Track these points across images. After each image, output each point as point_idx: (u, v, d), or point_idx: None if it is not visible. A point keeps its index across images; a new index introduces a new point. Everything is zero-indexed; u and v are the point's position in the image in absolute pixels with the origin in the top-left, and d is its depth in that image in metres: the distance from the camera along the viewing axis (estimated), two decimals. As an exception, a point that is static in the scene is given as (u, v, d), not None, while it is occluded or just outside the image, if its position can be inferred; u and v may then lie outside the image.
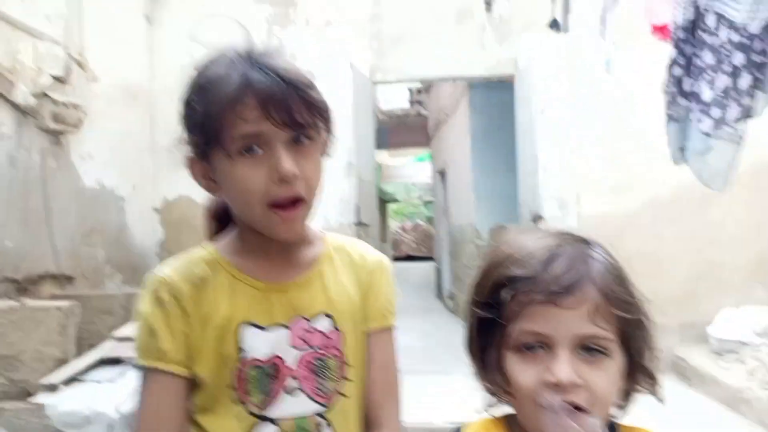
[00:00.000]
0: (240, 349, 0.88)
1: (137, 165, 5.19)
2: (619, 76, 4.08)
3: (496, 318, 0.73)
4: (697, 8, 2.21)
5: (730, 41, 2.05)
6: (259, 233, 0.90)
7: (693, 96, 2.22)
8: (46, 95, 3.93)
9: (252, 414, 0.88)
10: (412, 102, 12.25)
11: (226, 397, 0.88)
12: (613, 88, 4.92)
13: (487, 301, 0.74)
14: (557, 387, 0.68)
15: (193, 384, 0.89)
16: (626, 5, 3.06)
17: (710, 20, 2.15)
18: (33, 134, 3.96)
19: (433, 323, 7.99)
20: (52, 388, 3.08)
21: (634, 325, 0.72)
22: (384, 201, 18.12)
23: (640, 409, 0.80)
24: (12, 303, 3.39)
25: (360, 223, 4.85)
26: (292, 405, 0.89)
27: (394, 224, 22.26)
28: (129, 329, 3.61)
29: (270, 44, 0.91)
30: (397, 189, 21.14)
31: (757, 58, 2.00)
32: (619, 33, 3.28)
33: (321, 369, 0.91)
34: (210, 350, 0.88)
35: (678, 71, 2.32)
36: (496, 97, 6.95)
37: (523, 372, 0.71)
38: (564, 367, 0.68)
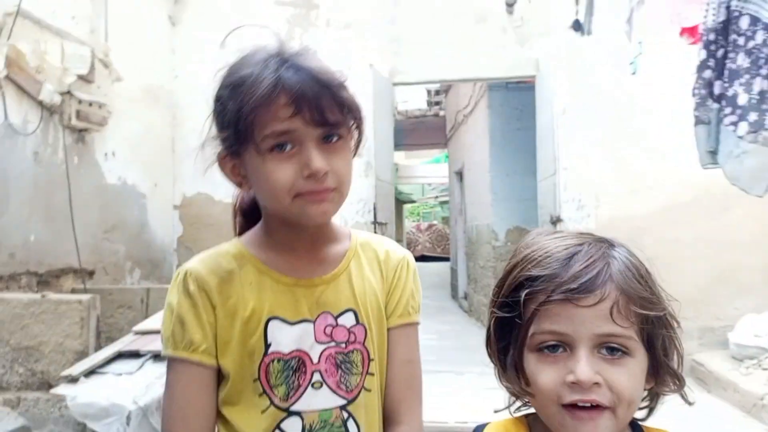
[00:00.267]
0: (266, 344, 0.89)
1: (158, 163, 5.27)
2: (640, 78, 4.05)
3: (515, 318, 0.73)
4: (728, 10, 2.18)
5: (765, 44, 2.01)
6: (287, 228, 0.92)
7: (725, 99, 2.18)
8: (71, 94, 4.01)
9: (276, 407, 0.89)
10: (429, 103, 12.22)
11: (251, 390, 0.89)
12: (634, 91, 4.88)
13: (506, 302, 0.74)
14: (577, 386, 0.68)
15: (219, 376, 0.91)
16: (652, 7, 3.03)
17: (744, 22, 2.11)
18: (58, 132, 4.04)
19: (448, 323, 7.98)
20: (72, 379, 3.13)
21: (657, 323, 0.71)
22: (400, 201, 18.13)
23: (659, 413, 0.79)
24: (34, 296, 3.46)
25: (377, 223, 4.86)
26: (316, 398, 0.90)
27: (409, 224, 22.26)
28: (148, 323, 3.67)
29: (302, 45, 0.91)
30: (413, 189, 21.13)
31: None
32: (645, 35, 3.26)
33: (344, 363, 0.92)
34: (237, 343, 0.89)
35: (708, 74, 2.29)
36: (515, 98, 6.93)
37: (543, 372, 0.71)
38: (583, 366, 0.67)
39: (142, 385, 3.02)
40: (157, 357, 3.25)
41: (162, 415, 0.90)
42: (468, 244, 8.85)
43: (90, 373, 3.19)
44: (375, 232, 4.81)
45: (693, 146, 2.55)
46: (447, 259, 14.42)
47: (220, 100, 0.89)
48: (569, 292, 0.69)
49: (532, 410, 0.78)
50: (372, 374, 0.94)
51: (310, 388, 0.90)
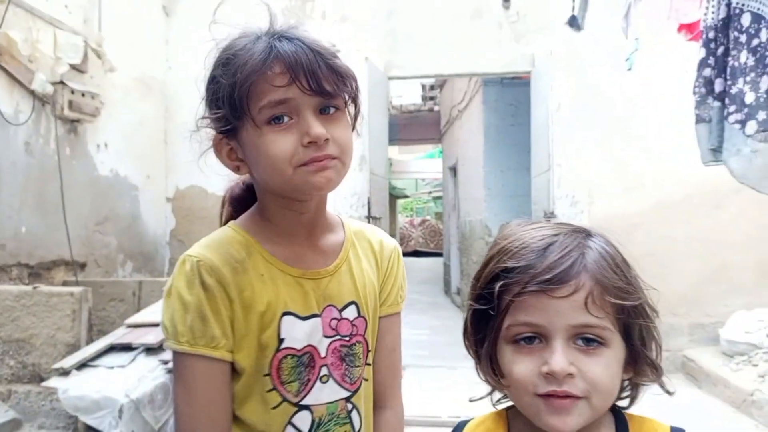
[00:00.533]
0: (280, 339, 0.87)
1: (151, 155, 5.24)
2: (636, 75, 4.05)
3: (490, 310, 0.72)
4: (728, 7, 2.17)
5: None
6: (286, 211, 0.90)
7: (729, 97, 2.17)
8: (63, 84, 3.97)
9: (289, 402, 0.88)
10: (424, 98, 12.21)
11: (261, 386, 0.87)
12: (630, 88, 4.89)
13: (482, 294, 0.74)
14: (552, 377, 0.67)
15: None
16: (649, 3, 3.03)
17: (745, 20, 2.10)
18: (50, 122, 4.00)
19: (440, 318, 8.00)
20: (63, 372, 3.12)
21: (633, 313, 0.70)
22: (393, 196, 18.13)
23: (648, 408, 0.79)
24: (26, 288, 3.44)
25: (371, 217, 4.86)
26: (324, 392, 0.90)
27: (402, 219, 22.27)
28: (140, 316, 3.65)
29: (292, 22, 0.89)
30: (406, 184, 21.12)
31: None
32: (641, 31, 3.26)
33: (348, 356, 0.92)
34: (252, 338, 0.86)
35: (708, 72, 2.29)
36: (510, 94, 6.93)
37: (518, 363, 0.70)
38: (558, 357, 0.67)
39: (134, 378, 3.01)
40: (149, 350, 3.23)
41: (179, 414, 0.85)
42: (461, 239, 8.87)
43: (81, 366, 3.18)
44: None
45: (688, 144, 2.55)
46: (440, 255, 14.44)
47: (213, 79, 0.86)
48: (543, 283, 0.68)
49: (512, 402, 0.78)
50: (369, 365, 0.95)
51: (318, 382, 0.89)
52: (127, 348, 3.30)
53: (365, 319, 0.94)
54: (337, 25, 5.32)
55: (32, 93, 3.79)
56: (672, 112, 4.64)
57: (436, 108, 11.43)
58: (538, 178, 5.05)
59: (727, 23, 2.17)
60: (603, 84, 4.99)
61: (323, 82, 0.82)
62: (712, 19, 2.23)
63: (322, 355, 0.90)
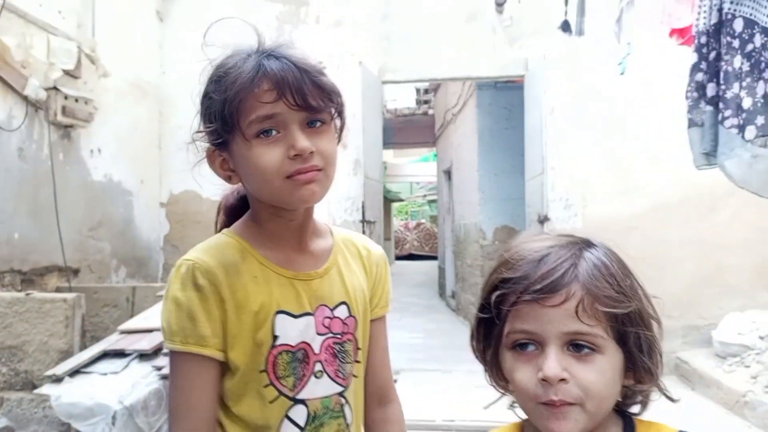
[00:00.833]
0: (274, 336, 0.93)
1: (145, 160, 5.22)
2: (630, 79, 4.08)
3: (492, 319, 0.76)
4: (720, 12, 2.18)
5: (765, 47, 2.00)
6: (277, 219, 0.95)
7: (723, 101, 2.18)
8: (57, 89, 3.96)
9: (286, 396, 0.93)
10: (418, 101, 12.24)
11: (257, 382, 0.92)
12: (623, 91, 4.92)
13: (484, 303, 0.78)
14: (547, 383, 0.70)
15: (224, 370, 0.93)
16: (642, 8, 3.05)
17: (738, 25, 2.11)
18: (43, 128, 3.99)
19: (436, 322, 8.00)
20: (56, 379, 3.10)
21: (627, 321, 0.72)
22: (388, 200, 18.13)
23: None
24: (18, 294, 3.42)
25: (365, 221, 4.86)
26: (318, 387, 0.95)
27: (397, 223, 22.28)
28: (134, 322, 3.64)
29: (281, 40, 0.94)
30: (401, 188, 21.14)
31: None
32: (634, 35, 3.28)
33: (340, 353, 0.98)
34: (246, 336, 0.91)
35: (700, 76, 2.30)
36: (504, 97, 6.95)
37: (518, 370, 0.74)
38: (551, 362, 0.70)
39: (127, 384, 2.99)
40: (142, 356, 3.22)
41: (170, 407, 0.93)
42: (456, 242, 8.88)
43: (75, 372, 3.16)
44: (363, 231, 4.80)
45: (682, 147, 2.57)
46: (435, 258, 14.46)
47: (206, 95, 0.92)
48: (536, 292, 0.71)
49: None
50: (359, 362, 1.01)
51: (312, 377, 0.95)
52: (120, 354, 3.28)
53: (355, 319, 1.00)
54: (332, 29, 5.33)
55: (25, 99, 3.78)
56: (666, 114, 4.66)
57: (430, 112, 11.46)
58: (531, 182, 5.06)
59: (718, 28, 2.18)
60: (596, 88, 5.01)
61: (309, 98, 0.87)
62: (704, 24, 2.25)
63: (316, 351, 0.95)
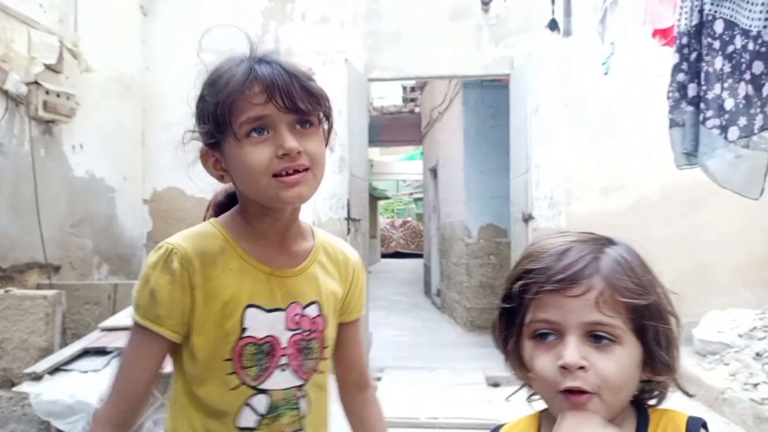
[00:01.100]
0: (242, 328, 0.97)
1: (128, 156, 5.17)
2: (614, 78, 4.11)
3: (514, 309, 0.80)
4: (701, 14, 2.20)
5: (746, 49, 2.02)
6: (263, 217, 1.00)
7: (704, 102, 2.21)
8: (38, 84, 3.90)
9: (247, 385, 0.98)
10: (405, 99, 12.25)
11: (221, 369, 0.97)
12: (607, 91, 4.96)
13: (507, 294, 0.81)
14: (567, 371, 0.73)
15: (186, 354, 0.98)
16: (626, 8, 3.08)
17: (718, 26, 2.13)
18: (24, 123, 3.93)
19: (421, 319, 8.02)
20: (36, 377, 3.06)
21: (646, 315, 0.75)
22: (374, 197, 18.13)
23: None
24: (-2, 291, 3.37)
25: (350, 219, 4.85)
26: (282, 379, 1.01)
27: (383, 221, 22.29)
28: (115, 319, 3.60)
29: (272, 48, 1.01)
30: (387, 186, 21.15)
31: None
32: (619, 36, 3.31)
33: (305, 349, 1.03)
34: (212, 324, 0.96)
35: (681, 77, 2.32)
36: (489, 96, 6.97)
37: (538, 358, 0.77)
38: (570, 350, 0.73)
39: (108, 382, 2.96)
40: (125, 354, 3.19)
41: (117, 370, 0.99)
42: (441, 241, 8.90)
43: (55, 370, 3.12)
44: (348, 228, 4.80)
45: (665, 146, 2.59)
46: (421, 256, 14.48)
47: (201, 98, 0.98)
48: (557, 282, 0.75)
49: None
50: (325, 359, 1.07)
51: (278, 369, 1.00)
52: (101, 352, 3.25)
53: (324, 318, 1.05)
54: (318, 26, 5.31)
55: (6, 93, 3.72)
56: (650, 114, 4.71)
57: (417, 110, 11.47)
58: (516, 180, 5.09)
59: (700, 29, 2.20)
60: (581, 87, 5.05)
61: (297, 100, 0.92)
62: (686, 25, 2.27)
63: (283, 345, 1.00)
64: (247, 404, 0.98)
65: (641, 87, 4.83)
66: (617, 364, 0.73)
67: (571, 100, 5.09)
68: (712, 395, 3.83)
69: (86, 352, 3.27)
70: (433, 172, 9.75)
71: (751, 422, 3.48)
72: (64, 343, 3.41)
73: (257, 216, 1.00)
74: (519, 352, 0.81)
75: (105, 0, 4.83)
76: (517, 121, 5.03)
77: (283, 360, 1.00)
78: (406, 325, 7.53)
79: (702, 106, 2.23)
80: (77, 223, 4.49)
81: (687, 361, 4.41)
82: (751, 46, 1.97)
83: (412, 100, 11.85)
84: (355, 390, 1.17)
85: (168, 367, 1.01)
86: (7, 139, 3.79)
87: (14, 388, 3.12)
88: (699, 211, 4.87)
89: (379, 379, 4.77)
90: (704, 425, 0.79)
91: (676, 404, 0.86)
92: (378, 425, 1.19)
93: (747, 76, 2.00)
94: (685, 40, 2.27)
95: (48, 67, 4.00)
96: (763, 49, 1.93)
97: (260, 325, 0.98)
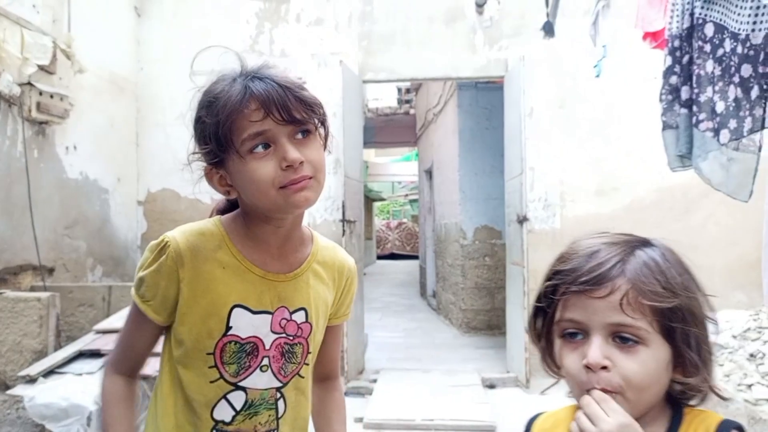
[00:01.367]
0: (228, 326, 1.01)
1: (122, 158, 5.16)
2: (606, 81, 4.13)
3: (545, 308, 0.83)
4: (692, 17, 2.21)
5: (735, 52, 2.04)
6: (265, 225, 1.03)
7: (697, 105, 2.22)
8: (31, 85, 3.89)
9: (225, 381, 1.02)
10: (400, 101, 12.25)
11: (203, 362, 1.01)
12: (601, 93, 4.98)
13: (540, 293, 0.84)
14: (590, 370, 0.75)
15: (173, 338, 1.04)
16: (618, 12, 3.09)
17: (708, 30, 2.15)
18: (17, 124, 3.91)
19: (416, 321, 8.02)
20: (30, 380, 3.05)
21: (672, 317, 0.76)
22: (370, 199, 18.12)
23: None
24: (-9, 293, 3.35)
25: (346, 221, 4.85)
26: (261, 379, 1.04)
27: (379, 222, 22.28)
28: (110, 322, 3.59)
29: (261, 62, 1.04)
30: (383, 187, 21.14)
31: (764, 70, 1.94)
32: (612, 38, 3.32)
33: (288, 353, 1.06)
34: (197, 318, 1.01)
35: (674, 80, 2.33)
36: (484, 98, 6.99)
37: (566, 356, 0.80)
38: (594, 350, 0.75)
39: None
40: (119, 356, 3.18)
41: (120, 332, 1.08)
42: (437, 242, 8.90)
43: (49, 373, 3.11)
44: (344, 230, 4.80)
45: (659, 149, 2.61)
46: (416, 257, 14.48)
47: (199, 120, 1.00)
48: (583, 284, 0.77)
49: None
50: (307, 364, 1.10)
51: (258, 370, 1.04)
52: (96, 354, 3.24)
53: (311, 326, 1.09)
54: (312, 27, 5.31)
55: (-2, 94, 3.70)
56: (643, 116, 4.73)
57: (412, 111, 11.47)
58: (511, 182, 5.10)
59: (691, 32, 2.22)
60: (575, 89, 5.07)
61: (293, 112, 0.96)
62: (677, 28, 2.28)
63: (266, 347, 1.04)
64: (225, 398, 1.03)
65: (634, 89, 4.86)
66: (641, 365, 0.75)
67: (564, 103, 5.11)
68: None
69: (81, 355, 3.26)
70: (428, 173, 9.76)
71: (745, 423, 3.50)
72: (58, 346, 3.39)
73: (258, 223, 1.03)
74: (551, 350, 0.84)
75: (98, 0, 4.82)
76: (512, 123, 5.05)
77: (265, 361, 1.04)
78: (402, 326, 7.53)
79: (695, 108, 2.24)
80: (71, 225, 4.47)
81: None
82: (739, 49, 1.99)
83: (407, 101, 11.85)
84: (323, 381, 1.23)
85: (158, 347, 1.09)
86: (0, 141, 3.78)
87: (8, 391, 3.11)
88: (691, 213, 4.89)
89: (374, 380, 4.77)
90: (739, 428, 0.79)
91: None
92: (339, 410, 1.22)
93: (736, 79, 2.02)
94: (677, 43, 2.28)
95: (41, 67, 3.99)
96: (751, 53, 1.94)
97: (245, 325, 1.02)
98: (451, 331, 7.18)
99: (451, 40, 5.25)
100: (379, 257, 20.19)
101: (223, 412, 1.03)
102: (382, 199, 22.56)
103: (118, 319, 3.55)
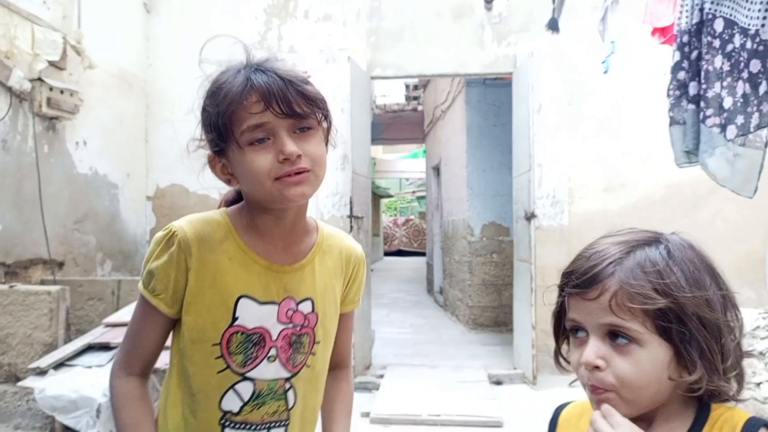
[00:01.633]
0: (234, 316, 1.01)
1: (131, 153, 5.19)
2: (614, 77, 4.11)
3: (558, 306, 0.85)
4: (702, 12, 2.20)
5: (744, 47, 2.02)
6: (268, 215, 1.04)
7: (705, 100, 2.21)
8: (42, 81, 3.92)
9: (233, 371, 1.02)
10: (408, 97, 12.24)
11: (209, 352, 1.01)
12: (610, 89, 4.96)
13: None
14: (586, 367, 0.77)
15: (180, 330, 1.03)
16: (627, 7, 3.07)
17: (718, 25, 2.14)
18: (28, 119, 3.95)
19: (423, 317, 8.03)
20: (40, 372, 3.08)
21: (667, 317, 0.75)
22: (377, 196, 18.13)
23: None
24: (2, 287, 3.39)
25: (353, 216, 4.86)
26: (268, 369, 1.04)
27: (386, 219, 22.29)
28: (119, 315, 3.62)
29: (269, 55, 1.04)
30: (390, 184, 21.14)
31: None
32: (620, 34, 3.31)
33: (296, 343, 1.06)
34: (203, 308, 1.01)
35: (682, 75, 2.32)
36: (492, 94, 6.97)
37: (572, 354, 0.82)
38: (588, 350, 0.77)
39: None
40: (128, 349, 3.21)
41: (125, 335, 1.06)
42: (444, 239, 8.90)
43: (59, 365, 3.15)
44: (351, 226, 4.81)
45: (666, 145, 2.59)
46: (423, 254, 14.48)
47: (204, 109, 1.01)
48: (576, 286, 0.79)
49: None
50: (314, 354, 1.09)
51: (265, 360, 1.04)
52: (105, 347, 3.27)
53: (317, 315, 1.09)
54: (321, 23, 5.31)
55: (9, 90, 3.74)
56: (652, 113, 4.71)
57: (419, 108, 11.46)
58: (519, 178, 5.09)
59: (700, 28, 2.20)
60: (584, 85, 5.05)
61: (294, 106, 0.96)
62: (686, 23, 2.27)
63: (273, 338, 1.04)
64: (233, 388, 1.02)
65: (642, 85, 4.83)
66: (634, 365, 0.75)
67: (572, 99, 5.09)
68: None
69: (90, 348, 3.29)
70: (436, 170, 9.75)
71: (752, 420, 3.48)
72: (67, 339, 3.43)
73: (261, 215, 1.04)
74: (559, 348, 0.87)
75: (109, -3, 4.85)
76: (520, 119, 5.04)
77: (272, 352, 1.04)
78: (409, 322, 7.55)
79: (702, 104, 2.23)
80: (80, 220, 4.51)
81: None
82: (749, 44, 1.98)
83: (415, 98, 11.84)
84: (332, 367, 1.21)
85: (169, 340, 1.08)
86: (10, 136, 3.81)
87: (19, 383, 3.15)
88: (700, 209, 4.87)
89: (381, 376, 4.78)
90: (767, 426, 0.77)
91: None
92: (342, 399, 1.21)
93: (745, 74, 2.01)
94: (685, 39, 2.27)
95: (51, 63, 4.02)
96: (761, 48, 1.93)
97: (252, 316, 1.02)
98: (458, 328, 7.19)
99: (459, 37, 5.24)
100: (386, 254, 20.21)
101: (231, 403, 1.02)
102: (390, 196, 22.56)
103: (127, 313, 3.59)
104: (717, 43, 2.13)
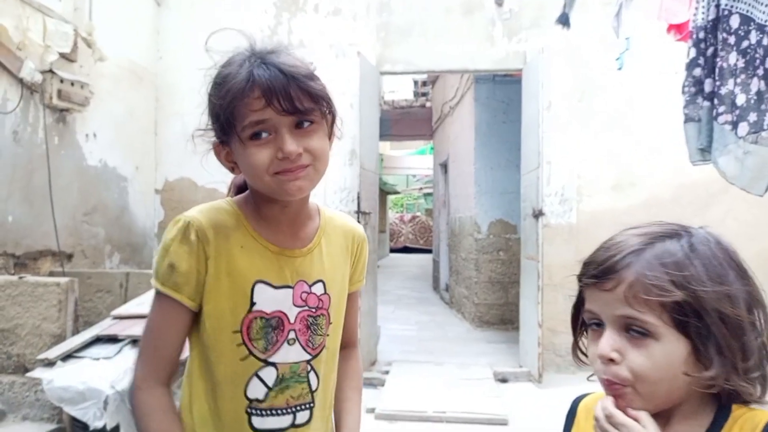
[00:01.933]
0: (252, 302, 1.02)
1: (140, 146, 5.21)
2: (626, 74, 4.08)
3: (577, 299, 0.85)
4: (718, 8, 2.18)
5: (760, 44, 2.00)
6: (272, 203, 1.05)
7: (718, 97, 2.18)
8: (53, 72, 3.93)
9: (256, 357, 1.02)
10: (416, 93, 12.22)
11: (230, 340, 1.01)
12: (621, 87, 4.92)
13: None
14: (601, 360, 0.77)
15: (201, 322, 1.03)
16: (641, 3, 3.04)
17: (734, 21, 2.11)
18: (38, 111, 3.96)
19: (429, 314, 8.03)
20: (48, 363, 3.10)
21: (684, 311, 0.73)
22: (384, 192, 18.12)
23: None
24: (11, 278, 3.41)
25: (360, 212, 4.86)
26: (290, 353, 1.05)
27: (392, 215, 22.28)
28: (127, 307, 3.64)
29: (277, 43, 1.03)
30: (397, 180, 21.13)
31: None
32: (634, 31, 3.28)
33: (313, 325, 1.07)
34: (221, 295, 1.01)
35: (698, 72, 2.30)
36: (501, 91, 6.94)
37: (589, 345, 0.82)
38: (603, 342, 0.76)
39: (120, 369, 2.99)
40: (135, 342, 3.22)
41: (142, 338, 1.04)
42: (451, 236, 8.89)
43: (67, 357, 3.16)
44: (358, 222, 4.80)
45: (677, 143, 2.57)
46: (429, 251, 14.47)
47: (210, 98, 1.02)
48: (592, 277, 0.79)
49: None
50: (329, 335, 1.11)
51: (285, 344, 1.04)
52: (113, 339, 3.29)
53: (329, 296, 1.10)
54: (330, 18, 5.30)
55: (21, 81, 3.75)
56: (663, 110, 4.68)
57: (428, 104, 11.44)
58: (527, 176, 5.07)
59: (716, 24, 2.18)
60: (594, 82, 5.02)
61: (296, 102, 0.95)
62: (702, 19, 2.24)
63: (291, 321, 1.05)
64: (257, 375, 1.03)
65: (654, 83, 4.80)
66: (648, 358, 0.74)
67: (583, 96, 5.06)
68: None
69: (98, 340, 3.30)
70: (444, 166, 9.73)
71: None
72: (76, 330, 3.44)
73: (267, 203, 1.05)
74: (577, 340, 0.86)
75: (119, -10, 4.86)
76: (529, 116, 5.01)
77: (291, 335, 1.05)
78: (414, 319, 7.54)
79: (716, 101, 2.21)
80: (90, 212, 4.53)
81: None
82: (765, 41, 1.95)
83: (424, 94, 11.82)
84: (341, 347, 1.21)
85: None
86: (21, 127, 3.83)
87: (27, 374, 3.17)
88: (710, 208, 4.83)
89: (386, 372, 4.79)
90: None
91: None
92: (353, 376, 1.22)
93: (760, 71, 1.98)
94: (701, 35, 2.24)
95: (62, 55, 4.03)
96: None
97: (269, 300, 1.03)
98: (464, 325, 7.18)
99: (469, 32, 5.22)
100: (392, 250, 20.20)
101: (256, 390, 1.03)
102: (397, 192, 22.54)
103: (135, 305, 3.60)
104: (732, 39, 2.10)
